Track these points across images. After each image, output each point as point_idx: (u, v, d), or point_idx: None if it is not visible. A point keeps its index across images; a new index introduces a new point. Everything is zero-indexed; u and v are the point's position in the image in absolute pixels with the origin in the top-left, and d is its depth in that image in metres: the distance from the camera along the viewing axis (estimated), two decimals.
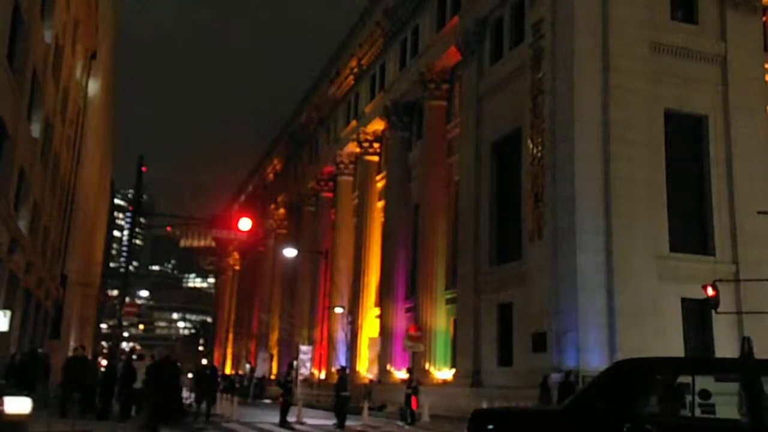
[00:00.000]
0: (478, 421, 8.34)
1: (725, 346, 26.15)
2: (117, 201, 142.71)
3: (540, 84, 28.29)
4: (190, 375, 40.94)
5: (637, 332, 24.62)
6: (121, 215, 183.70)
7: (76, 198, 42.88)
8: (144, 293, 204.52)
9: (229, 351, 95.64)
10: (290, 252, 48.90)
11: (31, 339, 31.74)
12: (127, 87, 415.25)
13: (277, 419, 24.41)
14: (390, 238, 42.71)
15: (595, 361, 24.34)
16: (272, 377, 60.90)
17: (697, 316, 25.96)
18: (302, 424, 24.89)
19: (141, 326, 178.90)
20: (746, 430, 6.91)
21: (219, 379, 34.00)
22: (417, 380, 27.99)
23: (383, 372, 40.17)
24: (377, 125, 47.80)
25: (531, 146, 28.38)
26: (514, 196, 30.55)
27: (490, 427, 8.14)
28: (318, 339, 53.67)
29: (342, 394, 24.38)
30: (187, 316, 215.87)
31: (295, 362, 31.60)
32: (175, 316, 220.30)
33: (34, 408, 19.93)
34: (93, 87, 45.28)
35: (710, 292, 22.85)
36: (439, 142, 39.43)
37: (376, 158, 49.25)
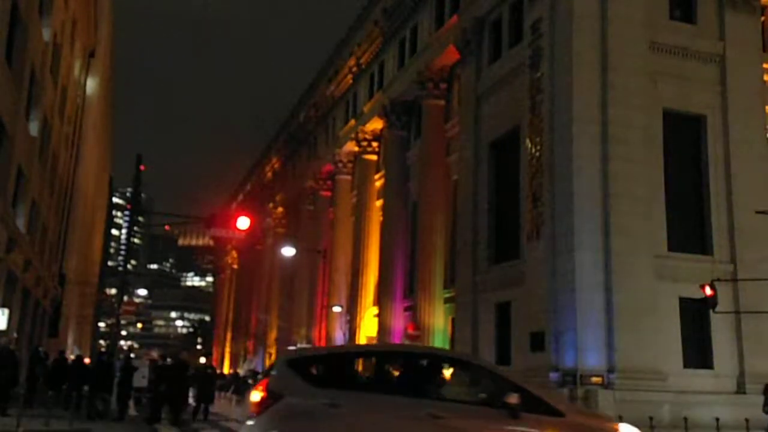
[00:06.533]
0: None
1: (723, 346, 26.22)
2: (115, 199, 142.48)
3: (539, 83, 28.29)
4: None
5: (635, 331, 24.64)
6: (119, 214, 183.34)
7: (75, 196, 42.86)
8: (142, 292, 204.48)
9: (227, 350, 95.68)
10: (289, 251, 48.87)
11: (29, 337, 31.73)
12: (126, 85, 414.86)
13: None
14: (388, 237, 42.70)
15: (593, 360, 24.38)
16: None
17: (695, 315, 25.97)
18: None
19: (139, 325, 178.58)
20: None
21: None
22: None
23: None
24: (376, 124, 47.80)
25: (530, 145, 28.38)
26: (512, 195, 30.54)
27: None
28: (316, 338, 53.67)
29: None
30: (186, 314, 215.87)
31: None
32: (173, 314, 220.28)
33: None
34: (91, 85, 45.27)
35: (708, 291, 22.91)
36: (438, 142, 39.43)
37: (374, 157, 49.27)
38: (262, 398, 7.40)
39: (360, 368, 8.12)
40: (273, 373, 7.80)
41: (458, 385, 8.18)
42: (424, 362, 8.21)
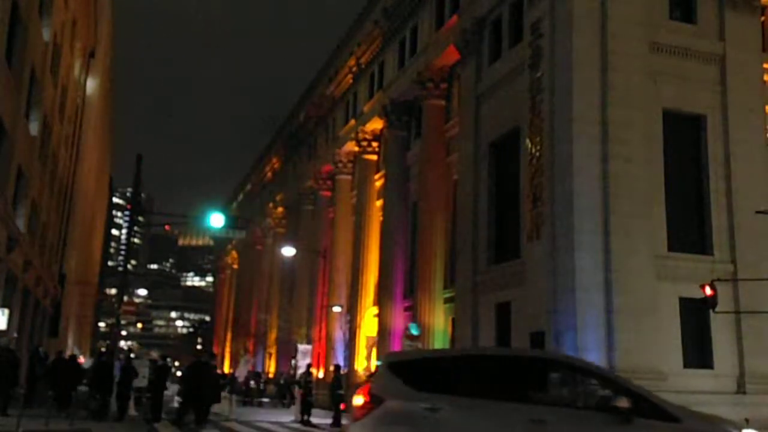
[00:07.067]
0: None
1: (723, 346, 26.21)
2: (115, 199, 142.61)
3: (539, 83, 28.28)
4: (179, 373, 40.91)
5: (635, 332, 24.62)
6: (119, 214, 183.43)
7: (75, 196, 42.89)
8: (142, 292, 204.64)
9: (227, 350, 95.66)
10: (289, 251, 48.96)
11: (29, 337, 31.73)
12: (126, 85, 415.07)
13: (274, 419, 24.50)
14: (388, 237, 42.70)
15: (593, 360, 24.33)
16: (270, 377, 60.84)
17: (695, 315, 25.94)
18: (300, 422, 24.98)
19: (139, 325, 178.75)
20: None
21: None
22: None
23: None
24: (376, 124, 47.79)
25: (530, 145, 28.38)
26: (512, 195, 30.54)
27: None
28: (316, 338, 53.67)
29: (337, 393, 24.55)
30: (186, 314, 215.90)
31: (310, 366, 32.15)
32: (173, 314, 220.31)
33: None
34: (91, 85, 45.29)
35: (708, 291, 22.88)
36: (438, 141, 39.43)
37: (374, 157, 49.24)
38: (365, 402, 7.40)
39: (461, 372, 7.94)
40: (375, 376, 7.80)
41: (564, 389, 7.93)
42: (528, 365, 8.02)
